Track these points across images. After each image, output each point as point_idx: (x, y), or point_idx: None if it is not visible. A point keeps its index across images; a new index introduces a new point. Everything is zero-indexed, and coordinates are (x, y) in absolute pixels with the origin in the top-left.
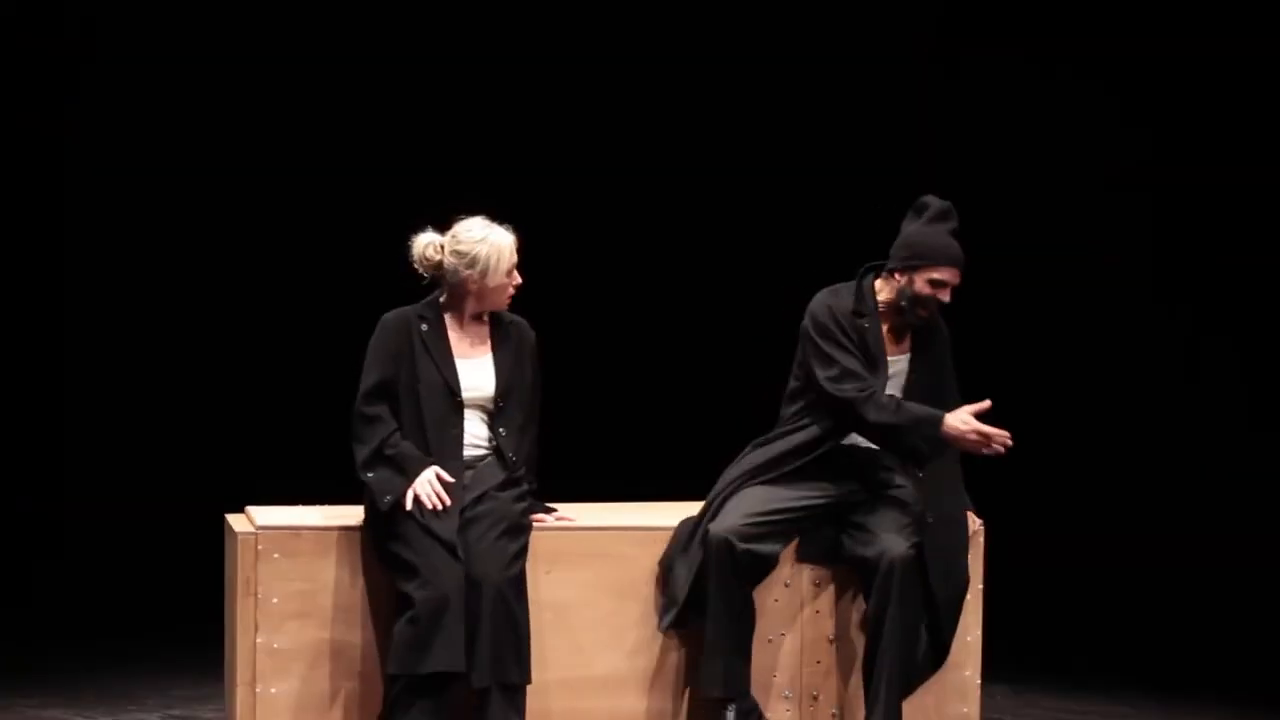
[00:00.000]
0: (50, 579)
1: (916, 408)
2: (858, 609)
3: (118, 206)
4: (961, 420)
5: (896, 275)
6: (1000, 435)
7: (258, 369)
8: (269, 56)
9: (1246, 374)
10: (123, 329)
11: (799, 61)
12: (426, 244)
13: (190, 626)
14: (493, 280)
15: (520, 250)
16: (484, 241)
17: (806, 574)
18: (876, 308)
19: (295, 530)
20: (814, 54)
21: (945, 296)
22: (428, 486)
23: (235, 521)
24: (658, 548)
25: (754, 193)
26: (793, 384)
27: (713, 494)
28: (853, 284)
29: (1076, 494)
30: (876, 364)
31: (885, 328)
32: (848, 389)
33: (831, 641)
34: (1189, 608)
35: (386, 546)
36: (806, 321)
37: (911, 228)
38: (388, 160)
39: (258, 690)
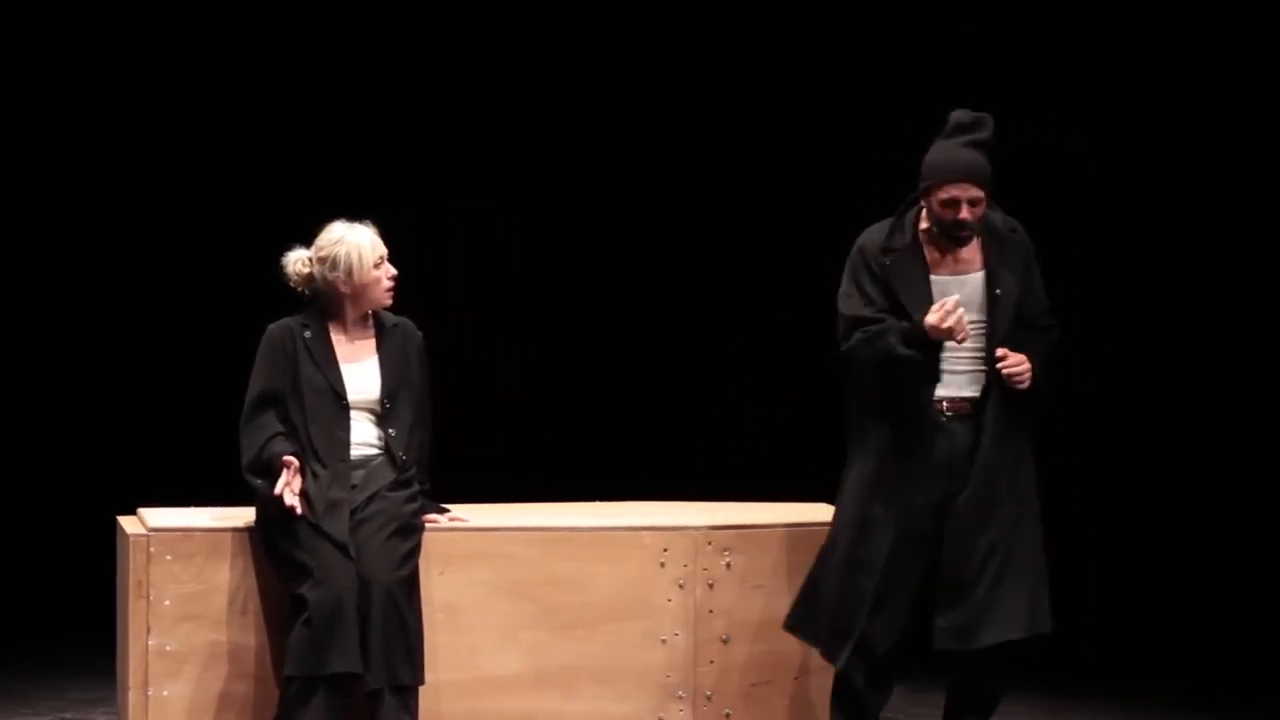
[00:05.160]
0: None
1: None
2: (754, 608)
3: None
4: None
5: (922, 202)
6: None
7: (149, 370)
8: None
9: (1242, 372)
10: (12, 330)
11: (796, 61)
12: (295, 260)
13: (83, 629)
14: (360, 277)
15: (390, 241)
16: (341, 242)
17: (701, 575)
18: (916, 237)
19: (187, 532)
20: (812, 54)
21: (964, 214)
22: (288, 494)
23: (127, 523)
24: (551, 548)
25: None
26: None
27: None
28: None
29: (1061, 500)
30: (916, 295)
31: (937, 254)
32: (849, 343)
33: (725, 642)
34: (1172, 614)
35: (278, 548)
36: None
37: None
38: (332, 166)
39: (149, 693)
